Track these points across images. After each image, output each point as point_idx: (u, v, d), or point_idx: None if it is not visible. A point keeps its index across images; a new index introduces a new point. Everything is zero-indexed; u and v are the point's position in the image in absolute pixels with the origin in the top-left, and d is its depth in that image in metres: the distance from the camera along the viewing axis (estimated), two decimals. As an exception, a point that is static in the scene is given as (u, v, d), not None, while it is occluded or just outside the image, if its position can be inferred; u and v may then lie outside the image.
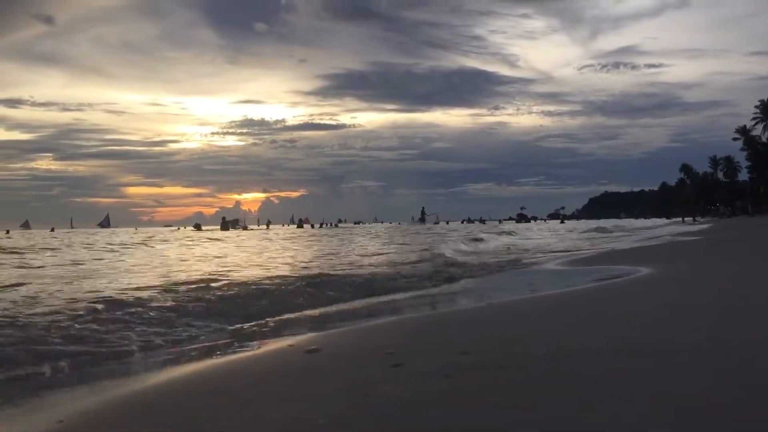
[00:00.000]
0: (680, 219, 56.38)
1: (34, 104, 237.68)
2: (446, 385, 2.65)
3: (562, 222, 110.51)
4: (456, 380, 2.73)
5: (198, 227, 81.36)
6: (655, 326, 3.88)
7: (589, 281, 7.44)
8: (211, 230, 68.24)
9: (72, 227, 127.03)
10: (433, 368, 2.98)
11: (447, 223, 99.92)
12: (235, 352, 4.35)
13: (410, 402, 2.45)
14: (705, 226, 36.21)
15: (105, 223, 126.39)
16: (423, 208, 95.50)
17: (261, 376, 3.45)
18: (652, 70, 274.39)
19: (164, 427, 2.49)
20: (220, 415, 2.57)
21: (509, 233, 32.62)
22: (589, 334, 3.79)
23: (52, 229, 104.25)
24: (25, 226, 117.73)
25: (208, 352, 4.42)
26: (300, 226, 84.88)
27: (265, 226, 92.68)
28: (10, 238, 43.91)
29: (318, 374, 3.30)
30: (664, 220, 72.10)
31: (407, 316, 5.94)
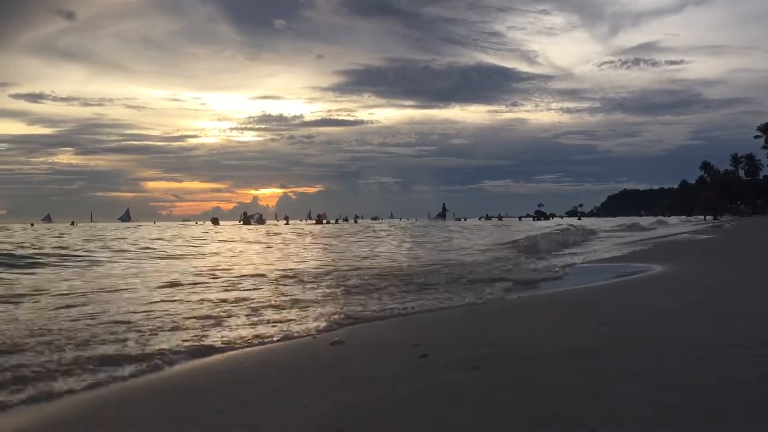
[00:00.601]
0: (702, 217, 55.77)
1: (55, 99, 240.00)
2: (473, 376, 2.72)
3: (579, 219, 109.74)
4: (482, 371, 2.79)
5: (216, 222, 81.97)
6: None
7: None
8: (230, 225, 68.89)
9: (92, 221, 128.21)
10: (458, 359, 3.04)
11: (465, 219, 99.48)
12: (272, 342, 4.44)
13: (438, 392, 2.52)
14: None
15: (125, 218, 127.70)
16: (444, 204, 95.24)
17: (293, 365, 3.55)
18: (673, 66, 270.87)
19: (214, 413, 2.58)
20: (257, 403, 2.66)
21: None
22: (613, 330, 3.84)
23: (73, 223, 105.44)
24: (47, 219, 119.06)
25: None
26: (319, 221, 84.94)
27: (284, 221, 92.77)
28: (51, 229, 43.42)
29: (347, 365, 3.38)
30: (683, 218, 71.44)
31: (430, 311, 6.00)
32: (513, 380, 2.60)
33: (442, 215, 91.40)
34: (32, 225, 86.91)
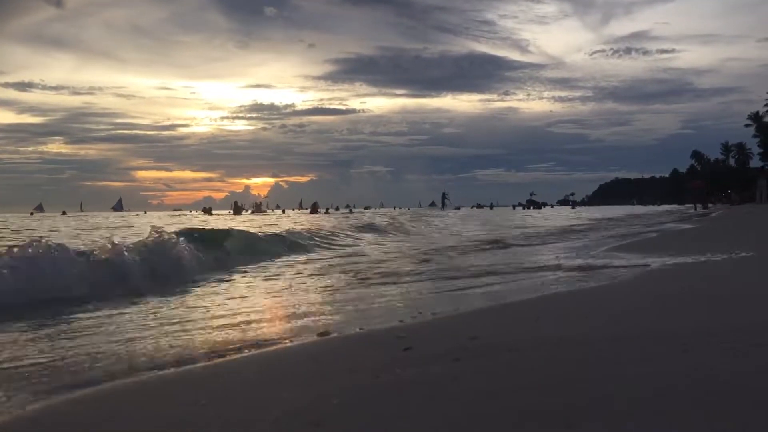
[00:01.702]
0: (692, 206, 56.02)
1: (44, 88, 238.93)
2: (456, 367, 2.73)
3: (573, 208, 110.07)
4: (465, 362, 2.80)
5: (208, 211, 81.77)
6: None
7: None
8: (220, 215, 68.89)
9: (82, 210, 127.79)
10: (442, 350, 3.05)
11: (459, 208, 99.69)
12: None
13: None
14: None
15: (118, 207, 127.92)
16: (444, 193, 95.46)
17: (278, 356, 3.55)
18: (664, 55, 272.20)
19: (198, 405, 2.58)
20: (238, 397, 2.66)
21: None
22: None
23: (64, 213, 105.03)
24: (39, 209, 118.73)
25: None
26: (315, 211, 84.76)
27: (281, 211, 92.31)
28: (69, 217, 44.40)
29: (331, 356, 3.38)
30: (676, 206, 71.81)
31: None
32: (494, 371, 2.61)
33: (442, 203, 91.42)
34: (32, 213, 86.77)
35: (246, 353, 3.88)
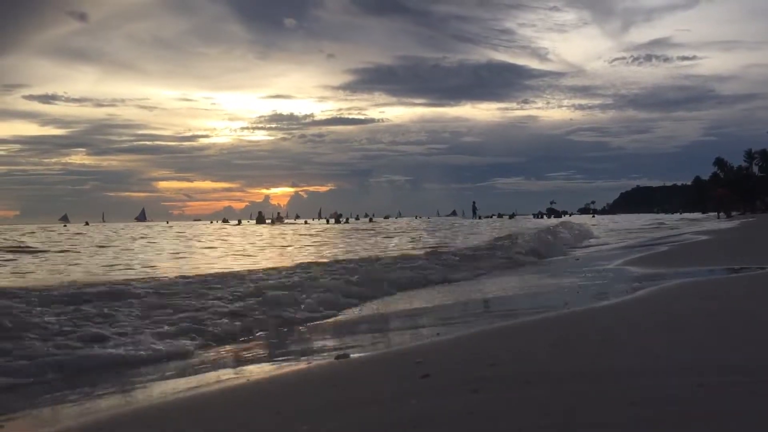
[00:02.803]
0: (715, 214, 55.31)
1: (67, 100, 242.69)
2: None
3: (593, 216, 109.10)
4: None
5: (226, 221, 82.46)
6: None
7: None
8: (237, 225, 69.54)
9: (104, 221, 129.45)
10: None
11: (480, 218, 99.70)
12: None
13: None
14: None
15: (141, 217, 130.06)
16: (474, 202, 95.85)
17: (298, 381, 3.54)
18: (686, 62, 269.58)
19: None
20: (258, 425, 2.65)
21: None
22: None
23: (87, 223, 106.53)
24: (64, 219, 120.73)
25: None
26: (338, 221, 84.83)
27: (303, 221, 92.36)
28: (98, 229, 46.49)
29: (348, 382, 3.37)
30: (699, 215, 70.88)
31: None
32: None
33: (473, 212, 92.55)
34: (65, 225, 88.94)
35: (267, 372, 3.90)
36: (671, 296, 5.82)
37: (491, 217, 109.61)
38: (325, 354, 4.70)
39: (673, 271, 8.08)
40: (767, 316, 4.44)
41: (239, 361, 4.82)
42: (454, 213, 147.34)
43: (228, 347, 5.42)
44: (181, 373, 4.42)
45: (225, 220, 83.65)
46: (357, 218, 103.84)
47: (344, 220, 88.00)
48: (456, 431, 2.29)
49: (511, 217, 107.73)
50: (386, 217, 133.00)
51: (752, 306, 4.92)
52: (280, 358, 4.88)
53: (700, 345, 3.49)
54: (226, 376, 4.20)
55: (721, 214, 52.00)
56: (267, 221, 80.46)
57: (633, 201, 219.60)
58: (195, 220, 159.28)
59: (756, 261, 8.39)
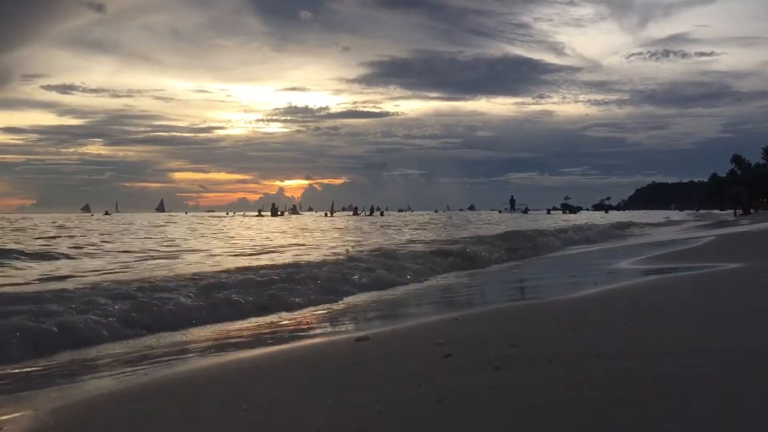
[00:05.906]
0: (732, 212, 54.77)
1: (85, 90, 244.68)
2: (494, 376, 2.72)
3: (606, 212, 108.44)
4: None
5: (261, 214, 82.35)
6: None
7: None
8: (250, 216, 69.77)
9: (117, 211, 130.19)
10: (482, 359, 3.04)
11: (500, 212, 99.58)
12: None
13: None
14: None
15: (160, 208, 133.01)
16: (512, 197, 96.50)
17: (320, 361, 3.59)
18: (704, 58, 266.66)
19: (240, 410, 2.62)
20: (283, 402, 2.69)
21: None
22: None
23: (107, 213, 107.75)
24: (86, 209, 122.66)
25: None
26: (356, 213, 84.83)
27: (327, 213, 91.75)
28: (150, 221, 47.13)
29: (370, 362, 3.40)
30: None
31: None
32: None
33: (511, 206, 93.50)
34: (92, 215, 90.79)
35: (290, 350, 3.95)
36: (698, 283, 5.82)
37: (501, 212, 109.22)
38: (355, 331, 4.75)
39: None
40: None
41: (276, 339, 4.89)
42: (472, 207, 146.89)
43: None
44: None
45: (260, 212, 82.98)
46: (371, 213, 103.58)
47: (367, 213, 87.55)
48: (481, 405, 2.32)
49: (525, 212, 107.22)
50: (400, 211, 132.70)
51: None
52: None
53: (722, 330, 3.50)
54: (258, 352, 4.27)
55: (738, 211, 51.47)
56: (279, 213, 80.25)
57: (649, 197, 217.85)
58: (208, 211, 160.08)
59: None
